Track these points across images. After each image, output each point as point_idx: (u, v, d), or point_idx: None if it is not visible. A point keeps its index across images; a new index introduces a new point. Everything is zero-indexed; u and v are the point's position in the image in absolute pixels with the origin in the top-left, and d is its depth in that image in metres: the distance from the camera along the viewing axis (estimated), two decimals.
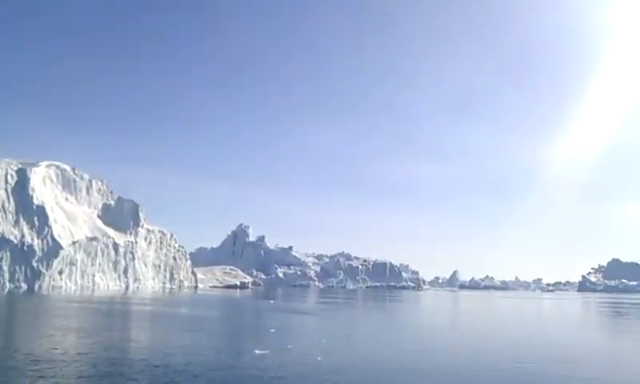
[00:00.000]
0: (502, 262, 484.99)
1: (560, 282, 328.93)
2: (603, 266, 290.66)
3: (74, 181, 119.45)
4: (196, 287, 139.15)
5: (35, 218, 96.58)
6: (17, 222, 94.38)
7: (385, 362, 22.30)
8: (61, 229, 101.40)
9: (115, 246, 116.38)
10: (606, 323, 58.54)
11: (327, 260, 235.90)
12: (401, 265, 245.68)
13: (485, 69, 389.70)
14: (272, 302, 79.90)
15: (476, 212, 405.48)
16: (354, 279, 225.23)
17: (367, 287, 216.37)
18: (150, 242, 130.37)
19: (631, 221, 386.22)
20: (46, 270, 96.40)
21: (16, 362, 19.29)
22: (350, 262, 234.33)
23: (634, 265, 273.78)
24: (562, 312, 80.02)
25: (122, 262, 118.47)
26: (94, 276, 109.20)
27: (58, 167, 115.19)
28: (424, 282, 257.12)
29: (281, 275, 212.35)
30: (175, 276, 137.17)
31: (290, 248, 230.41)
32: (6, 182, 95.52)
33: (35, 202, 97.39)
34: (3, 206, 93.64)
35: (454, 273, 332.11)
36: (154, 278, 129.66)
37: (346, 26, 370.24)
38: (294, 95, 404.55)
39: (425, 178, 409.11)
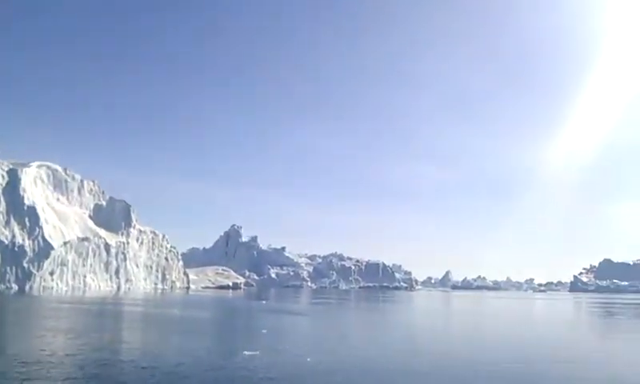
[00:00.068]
0: (495, 263, 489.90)
1: (552, 282, 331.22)
2: (595, 267, 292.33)
3: (66, 181, 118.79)
4: (188, 288, 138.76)
5: (26, 219, 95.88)
6: (7, 223, 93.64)
7: (375, 363, 22.30)
8: (52, 229, 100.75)
9: (107, 247, 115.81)
10: (597, 323, 58.90)
11: (320, 260, 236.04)
12: (393, 265, 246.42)
13: (483, 70, 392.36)
14: (264, 302, 79.85)
15: (468, 213, 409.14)
16: (346, 280, 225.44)
17: (360, 288, 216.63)
18: (141, 243, 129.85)
19: (623, 221, 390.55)
20: (37, 270, 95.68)
21: (3, 363, 19.11)
22: (343, 263, 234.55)
23: (625, 265, 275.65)
24: (553, 312, 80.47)
25: (114, 262, 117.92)
26: (85, 277, 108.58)
27: (49, 167, 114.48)
28: (417, 282, 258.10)
29: (273, 276, 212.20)
30: (167, 277, 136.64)
31: (283, 249, 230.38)
32: None
33: (26, 202, 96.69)
34: None
35: (447, 273, 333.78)
36: (145, 279, 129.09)
37: (345, 27, 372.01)
38: (291, 96, 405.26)
39: (419, 178, 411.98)
